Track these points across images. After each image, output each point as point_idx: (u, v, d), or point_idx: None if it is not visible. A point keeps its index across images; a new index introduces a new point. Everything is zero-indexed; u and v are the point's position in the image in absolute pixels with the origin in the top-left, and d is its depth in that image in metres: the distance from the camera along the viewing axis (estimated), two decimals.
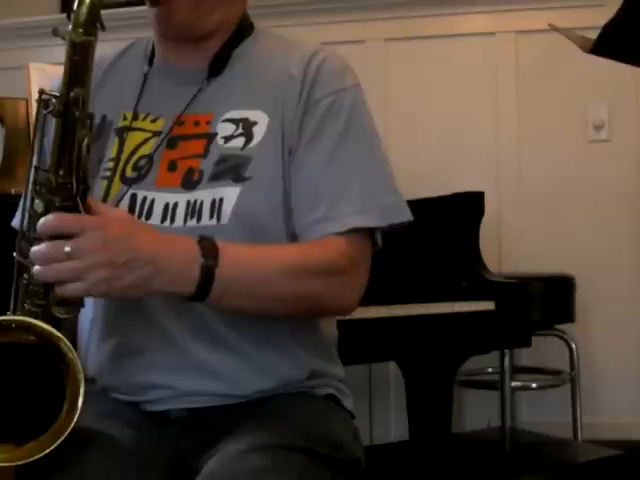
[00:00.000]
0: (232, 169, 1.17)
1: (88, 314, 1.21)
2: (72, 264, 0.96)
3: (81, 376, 0.96)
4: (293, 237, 1.19)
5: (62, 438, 0.95)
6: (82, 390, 0.96)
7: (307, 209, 1.17)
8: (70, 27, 1.02)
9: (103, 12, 1.04)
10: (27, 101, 2.19)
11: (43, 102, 1.03)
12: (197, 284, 1.04)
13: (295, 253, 1.14)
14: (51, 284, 0.98)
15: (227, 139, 1.20)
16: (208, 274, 1.04)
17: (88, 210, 1.01)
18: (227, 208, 1.15)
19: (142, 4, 1.17)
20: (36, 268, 0.98)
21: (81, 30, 1.02)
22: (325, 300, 1.16)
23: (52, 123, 1.03)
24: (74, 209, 1.00)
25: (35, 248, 0.98)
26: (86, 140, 1.02)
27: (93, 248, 0.97)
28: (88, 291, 0.98)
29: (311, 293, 1.13)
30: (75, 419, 0.95)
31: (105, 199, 1.19)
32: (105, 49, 1.28)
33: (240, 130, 1.20)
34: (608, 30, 1.45)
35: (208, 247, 1.05)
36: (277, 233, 1.18)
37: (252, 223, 1.16)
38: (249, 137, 1.19)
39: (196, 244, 1.05)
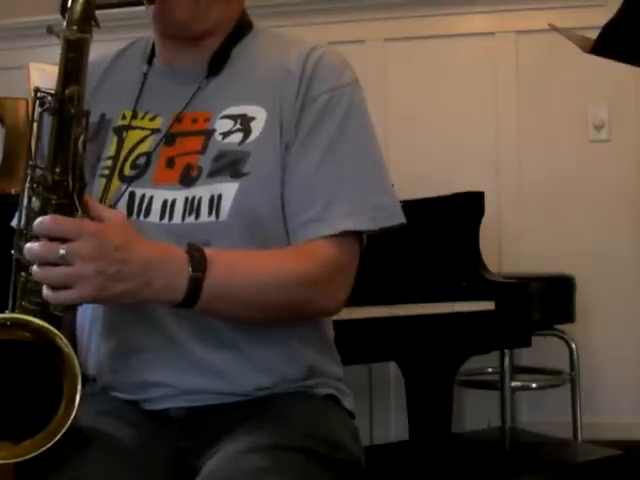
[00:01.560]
0: (230, 165, 1.17)
1: (88, 313, 1.21)
2: (64, 270, 0.97)
3: (78, 373, 0.96)
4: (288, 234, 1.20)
5: (60, 435, 0.95)
6: (79, 387, 0.96)
7: (300, 208, 1.17)
8: (64, 25, 1.02)
9: (101, 12, 1.04)
10: (27, 101, 2.20)
11: (39, 100, 1.03)
12: (184, 294, 1.04)
13: (286, 265, 1.14)
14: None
15: (225, 135, 1.20)
16: (196, 285, 1.05)
17: (85, 208, 1.02)
18: (226, 204, 1.15)
19: (138, 4, 1.18)
20: (33, 268, 0.98)
21: (75, 27, 1.02)
22: (312, 307, 1.17)
23: (48, 121, 1.03)
24: (71, 207, 1.01)
25: (29, 245, 0.98)
26: (82, 137, 1.02)
27: (87, 255, 0.97)
28: (78, 299, 0.99)
29: (300, 303, 1.15)
30: (73, 416, 0.95)
31: (103, 197, 1.19)
32: (103, 49, 1.28)
33: (238, 126, 1.20)
34: (608, 30, 1.44)
35: (197, 258, 1.06)
36: (276, 228, 1.18)
37: (251, 219, 1.16)
38: (247, 132, 1.19)
39: (185, 255, 1.06)
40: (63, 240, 0.97)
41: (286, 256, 1.16)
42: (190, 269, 1.04)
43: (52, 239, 0.97)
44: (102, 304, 1.15)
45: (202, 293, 1.05)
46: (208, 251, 1.07)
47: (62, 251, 0.96)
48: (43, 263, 0.97)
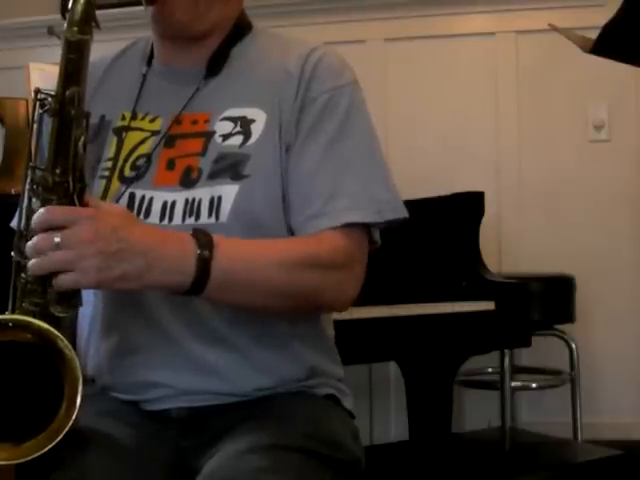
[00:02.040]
0: (230, 167, 1.17)
1: (87, 314, 1.21)
2: (62, 254, 0.96)
3: (79, 374, 0.96)
4: (292, 234, 1.19)
5: (61, 436, 0.95)
6: (80, 388, 0.96)
7: (303, 205, 1.17)
8: (65, 26, 1.02)
9: (101, 13, 1.04)
10: (27, 101, 2.20)
11: (39, 101, 1.03)
12: (193, 276, 1.03)
13: (292, 247, 1.14)
14: (47, 281, 0.98)
15: (225, 137, 1.20)
16: (204, 265, 1.04)
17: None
18: (226, 206, 1.15)
19: (138, 4, 1.18)
20: (29, 262, 0.98)
21: (76, 29, 1.02)
22: (321, 295, 1.15)
23: (48, 122, 1.03)
24: None
25: (28, 243, 0.98)
26: (82, 139, 1.02)
27: (83, 238, 0.97)
28: (79, 281, 0.98)
29: (307, 287, 1.13)
30: (74, 417, 0.95)
31: (104, 199, 1.18)
32: (103, 50, 1.28)
33: (238, 128, 1.20)
34: (608, 30, 1.44)
35: (203, 239, 1.05)
36: (276, 231, 1.18)
37: (251, 221, 1.16)
38: (247, 135, 1.19)
39: (191, 236, 1.05)
40: (59, 230, 0.96)
41: (293, 240, 1.17)
42: (197, 248, 1.04)
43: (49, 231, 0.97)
44: (105, 290, 1.14)
45: (211, 274, 1.04)
46: (213, 235, 1.07)
47: (57, 239, 0.96)
48: (40, 254, 0.97)
